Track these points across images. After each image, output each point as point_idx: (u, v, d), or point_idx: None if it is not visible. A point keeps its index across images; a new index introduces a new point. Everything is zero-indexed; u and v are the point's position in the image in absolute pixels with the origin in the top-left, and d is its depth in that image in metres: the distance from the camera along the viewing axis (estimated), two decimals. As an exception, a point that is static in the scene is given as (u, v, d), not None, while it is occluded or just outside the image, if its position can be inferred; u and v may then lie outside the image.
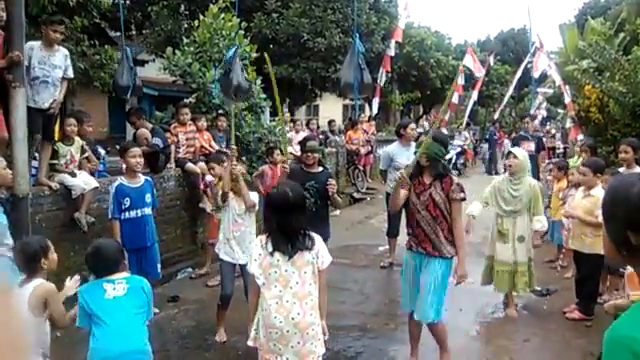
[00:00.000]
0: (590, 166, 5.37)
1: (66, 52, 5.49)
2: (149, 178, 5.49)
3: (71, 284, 3.25)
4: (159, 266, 5.40)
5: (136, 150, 5.22)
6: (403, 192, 4.14)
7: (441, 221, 4.06)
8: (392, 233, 7.32)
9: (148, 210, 5.24)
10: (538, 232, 5.40)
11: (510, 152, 5.46)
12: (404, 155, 6.78)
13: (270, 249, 3.08)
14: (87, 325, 3.08)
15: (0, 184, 4.16)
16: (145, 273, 4.83)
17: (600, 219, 4.88)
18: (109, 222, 5.17)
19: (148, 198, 5.25)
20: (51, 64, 5.28)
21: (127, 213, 5.07)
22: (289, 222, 3.10)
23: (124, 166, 5.45)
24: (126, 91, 7.67)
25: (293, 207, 3.12)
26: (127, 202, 5.05)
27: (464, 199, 4.09)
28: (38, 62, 5.18)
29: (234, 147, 5.02)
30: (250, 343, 3.26)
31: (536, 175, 8.25)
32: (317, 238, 3.19)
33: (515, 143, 9.64)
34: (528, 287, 5.46)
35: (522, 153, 5.43)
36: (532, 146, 9.26)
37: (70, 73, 5.54)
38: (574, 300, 5.60)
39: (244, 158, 8.41)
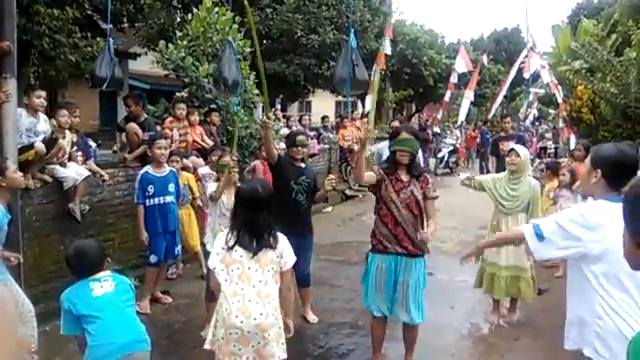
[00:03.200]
0: None
1: (46, 117, 5.57)
2: (174, 169, 5.84)
3: None
4: (178, 248, 5.82)
5: (162, 142, 5.62)
6: (370, 173, 4.02)
7: (420, 219, 4.02)
8: None
9: (171, 198, 5.59)
10: None
11: (512, 149, 5.13)
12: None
13: (232, 244, 3.02)
14: (73, 332, 2.99)
15: (12, 187, 4.09)
16: (166, 254, 5.63)
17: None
18: (135, 207, 5.55)
19: (171, 187, 5.61)
20: (36, 131, 5.32)
21: (151, 200, 5.45)
22: (257, 219, 3.05)
23: (150, 155, 5.72)
24: (103, 82, 7.57)
25: (263, 204, 3.09)
26: (151, 189, 5.44)
27: (437, 197, 4.10)
28: (26, 129, 5.23)
29: (235, 157, 4.98)
30: (207, 346, 3.12)
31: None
32: (282, 238, 3.13)
33: (494, 143, 9.63)
34: (529, 294, 5.15)
35: (524, 152, 5.11)
36: (512, 145, 9.15)
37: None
38: (565, 299, 5.61)
39: (237, 153, 8.37)
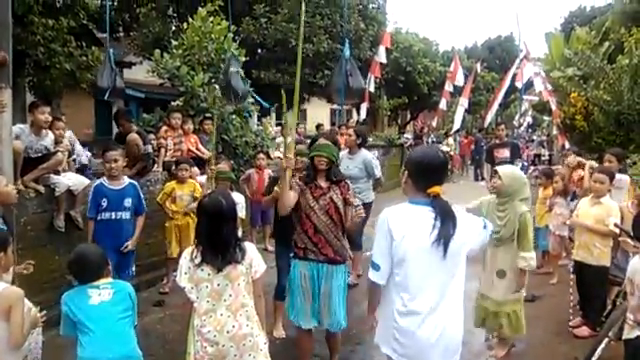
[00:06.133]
0: (608, 174, 5.14)
1: (52, 136, 5.56)
2: (135, 182, 5.37)
3: (35, 316, 3.01)
4: (131, 269, 5.32)
5: (112, 154, 5.07)
6: (292, 193, 3.97)
7: (340, 225, 4.04)
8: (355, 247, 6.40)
9: (126, 215, 5.12)
10: (524, 271, 4.39)
11: (495, 171, 4.51)
12: (345, 163, 6.33)
13: (198, 261, 2.93)
14: (71, 334, 3.01)
15: (5, 202, 4.05)
16: (117, 274, 4.80)
17: (611, 226, 4.85)
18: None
19: (128, 202, 5.12)
20: (37, 148, 5.36)
21: (103, 214, 5.03)
22: (221, 233, 2.95)
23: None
24: (104, 92, 7.61)
25: (225, 217, 2.98)
26: (104, 203, 5.01)
27: (358, 205, 4.13)
28: (26, 147, 5.24)
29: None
30: None
31: None
32: (249, 247, 3.06)
33: (489, 151, 9.69)
34: (509, 331, 4.51)
35: (509, 174, 4.41)
36: (507, 153, 9.25)
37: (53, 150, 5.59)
38: (559, 306, 5.63)
39: (232, 162, 8.40)
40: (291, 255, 4.20)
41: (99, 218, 5.02)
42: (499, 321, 4.48)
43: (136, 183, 5.38)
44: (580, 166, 6.61)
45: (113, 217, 5.06)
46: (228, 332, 2.94)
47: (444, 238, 2.53)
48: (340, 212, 4.02)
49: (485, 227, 2.77)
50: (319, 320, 4.09)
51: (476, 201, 4.72)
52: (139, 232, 5.28)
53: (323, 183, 4.04)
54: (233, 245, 2.98)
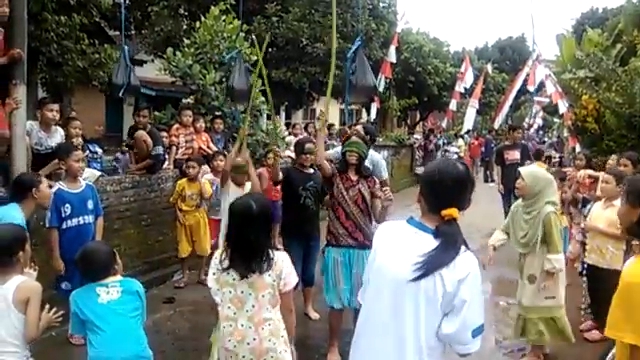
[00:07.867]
0: (615, 175, 5.09)
1: (62, 132, 5.64)
2: (91, 183, 5.17)
3: (50, 316, 2.97)
4: None
5: (80, 154, 4.92)
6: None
7: (367, 214, 4.49)
8: None
9: (90, 218, 4.87)
10: (550, 274, 4.38)
11: (519, 173, 4.50)
12: None
13: (225, 265, 2.83)
14: (80, 332, 3.01)
15: (41, 202, 4.13)
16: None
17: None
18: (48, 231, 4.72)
19: (90, 205, 4.88)
20: (47, 145, 5.42)
21: (68, 221, 4.72)
22: (248, 238, 2.81)
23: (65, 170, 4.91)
24: (120, 89, 7.66)
25: (255, 221, 2.83)
26: (68, 209, 4.69)
27: (380, 197, 4.44)
28: (35, 143, 5.31)
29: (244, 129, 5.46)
30: None
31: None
32: (281, 258, 2.87)
33: (499, 152, 9.66)
34: (550, 339, 4.52)
35: (532, 175, 4.45)
36: (517, 154, 9.24)
37: None
38: (570, 309, 5.59)
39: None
40: (324, 244, 4.66)
41: (65, 226, 4.71)
42: (538, 328, 4.47)
43: (93, 185, 5.18)
44: (591, 177, 6.58)
45: (81, 222, 4.79)
46: (248, 344, 2.83)
47: (428, 264, 1.99)
48: (367, 203, 4.47)
49: (475, 335, 2.13)
50: (349, 301, 4.41)
51: (499, 234, 4.82)
52: (100, 236, 4.97)
53: (353, 176, 4.50)
54: (260, 253, 2.82)
